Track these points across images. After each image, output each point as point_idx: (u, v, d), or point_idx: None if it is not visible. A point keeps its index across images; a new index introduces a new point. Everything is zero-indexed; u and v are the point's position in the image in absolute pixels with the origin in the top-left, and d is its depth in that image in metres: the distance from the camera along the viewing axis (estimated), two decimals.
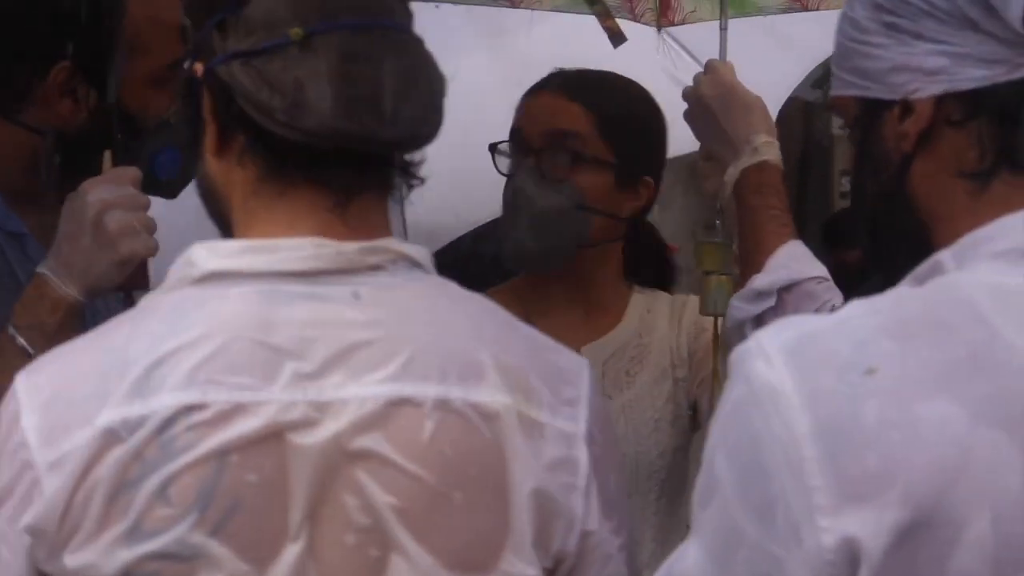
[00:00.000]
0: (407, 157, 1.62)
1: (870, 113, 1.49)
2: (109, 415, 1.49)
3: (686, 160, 2.86)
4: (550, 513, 1.53)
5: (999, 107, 1.42)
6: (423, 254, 1.58)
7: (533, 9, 3.45)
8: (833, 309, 2.18)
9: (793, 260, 2.29)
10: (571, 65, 2.76)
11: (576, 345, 2.49)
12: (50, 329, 2.13)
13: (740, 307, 2.28)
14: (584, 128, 2.65)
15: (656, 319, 2.73)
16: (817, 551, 1.27)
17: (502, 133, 2.74)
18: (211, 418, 1.48)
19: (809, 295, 2.26)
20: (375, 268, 1.55)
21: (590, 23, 3.16)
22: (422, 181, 1.61)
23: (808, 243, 2.37)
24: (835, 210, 10.43)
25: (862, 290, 1.39)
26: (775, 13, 3.46)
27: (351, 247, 1.54)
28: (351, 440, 1.49)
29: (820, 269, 2.32)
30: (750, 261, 2.32)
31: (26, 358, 2.11)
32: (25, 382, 1.56)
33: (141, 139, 2.37)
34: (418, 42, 1.61)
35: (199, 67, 1.60)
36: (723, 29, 2.67)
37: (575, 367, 1.61)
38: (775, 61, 3.85)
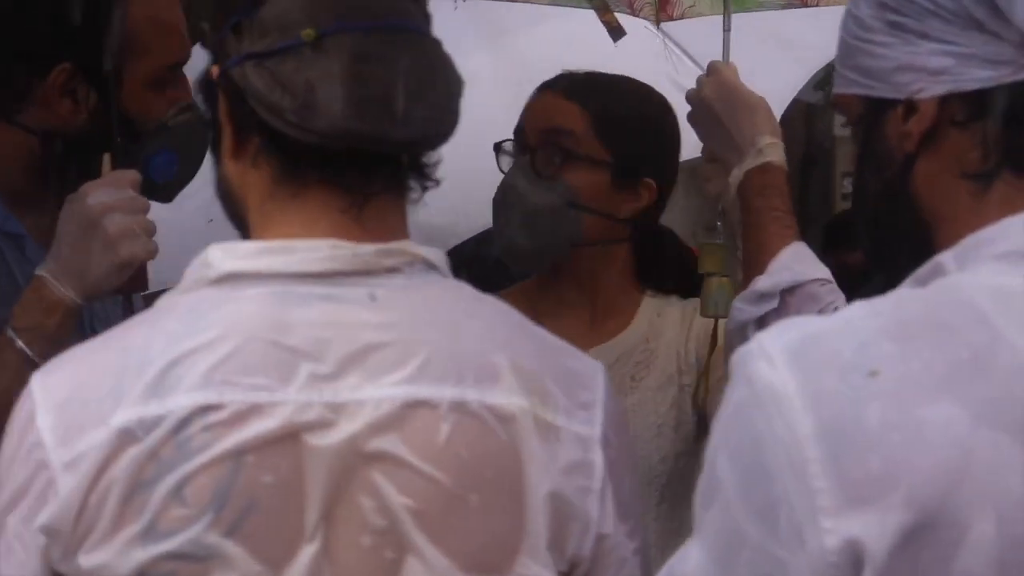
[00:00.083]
0: (423, 159, 1.62)
1: (873, 112, 1.50)
2: (125, 415, 1.50)
3: (686, 164, 2.87)
4: (565, 516, 1.55)
5: (1004, 108, 1.43)
6: (439, 257, 1.60)
7: (532, 2, 3.46)
8: (836, 311, 2.18)
9: (796, 262, 2.29)
10: (570, 67, 2.76)
11: (581, 348, 2.49)
12: (49, 331, 2.14)
13: (742, 309, 2.28)
14: (578, 127, 2.67)
15: (666, 324, 2.73)
16: (820, 553, 1.28)
17: (503, 133, 2.75)
18: (227, 418, 1.49)
19: (812, 297, 2.26)
20: (392, 270, 1.57)
21: (591, 24, 3.16)
22: (437, 183, 1.62)
23: (810, 245, 2.37)
24: (836, 212, 10.44)
25: (863, 292, 1.40)
26: (775, 8, 3.46)
27: (367, 249, 1.56)
28: (367, 442, 1.51)
29: (823, 271, 2.32)
30: (753, 263, 2.32)
31: (25, 360, 2.11)
32: (40, 382, 1.57)
33: (140, 142, 2.37)
34: (435, 44, 1.63)
35: (215, 69, 1.61)
36: (726, 30, 2.67)
37: (590, 370, 1.63)
38: (778, 64, 3.85)
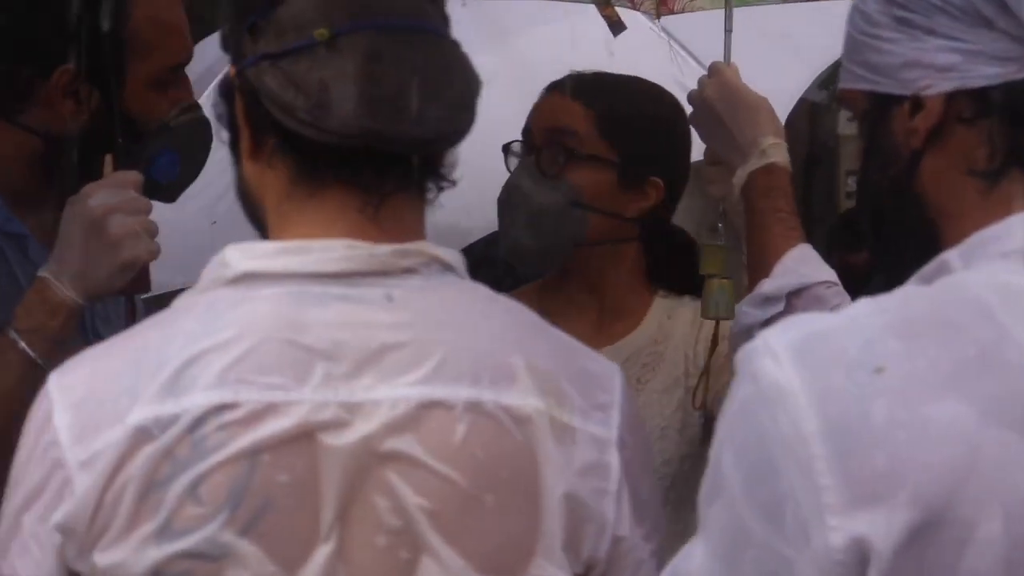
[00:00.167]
0: (438, 158, 1.63)
1: (880, 108, 1.50)
2: (141, 413, 1.52)
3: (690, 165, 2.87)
4: (581, 518, 1.56)
5: (1011, 105, 1.44)
6: (456, 258, 1.62)
7: None
8: None
9: (802, 264, 2.29)
10: (578, 67, 2.77)
11: None
12: (51, 332, 2.16)
13: (748, 312, 2.28)
14: (582, 126, 2.69)
15: (676, 325, 2.73)
16: (826, 551, 1.28)
17: (506, 134, 2.75)
18: (243, 417, 1.51)
19: (818, 300, 2.26)
20: (408, 271, 1.58)
21: (593, 25, 3.16)
22: (454, 183, 1.62)
23: (814, 245, 2.37)
24: (841, 211, 10.43)
25: (867, 291, 1.40)
26: (776, 2, 3.46)
27: (384, 249, 1.58)
28: (382, 442, 1.52)
29: (829, 273, 2.32)
30: (758, 265, 2.32)
31: (27, 361, 2.12)
32: (57, 382, 1.59)
33: (142, 142, 2.37)
34: (452, 44, 1.64)
35: (232, 70, 1.63)
36: (728, 31, 2.67)
37: (607, 371, 1.65)
38: (784, 64, 3.85)
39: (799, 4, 3.58)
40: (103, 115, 2.33)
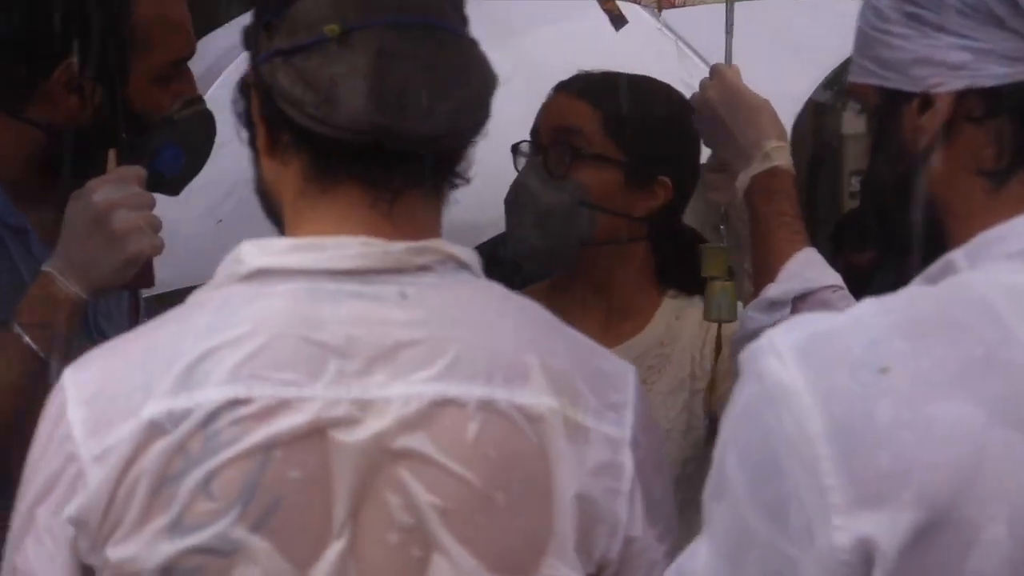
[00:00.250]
0: (452, 156, 1.63)
1: (889, 104, 1.50)
2: (154, 407, 1.53)
3: None
4: (593, 518, 1.57)
5: (1020, 106, 1.43)
6: (471, 256, 1.63)
7: None
8: None
9: (807, 268, 2.30)
10: (585, 67, 2.77)
11: None
12: (55, 327, 2.17)
13: (754, 317, 2.28)
14: (588, 125, 2.71)
15: (684, 326, 2.74)
16: (831, 551, 1.28)
17: (510, 134, 2.76)
18: (256, 413, 1.52)
19: (824, 304, 2.26)
20: (423, 268, 1.59)
21: (596, 25, 3.16)
22: (467, 181, 1.63)
23: (818, 245, 2.37)
24: (845, 211, 10.43)
25: (871, 291, 1.40)
26: None
27: (398, 247, 1.59)
28: (394, 439, 1.54)
29: (835, 277, 2.32)
30: (763, 269, 2.33)
31: (31, 356, 2.13)
32: (72, 376, 1.61)
33: (145, 137, 2.38)
34: (469, 42, 1.66)
35: (249, 67, 1.66)
36: (729, 33, 2.67)
37: (621, 371, 1.66)
38: (790, 67, 3.85)
39: (801, 1, 3.59)
40: (106, 110, 2.35)
